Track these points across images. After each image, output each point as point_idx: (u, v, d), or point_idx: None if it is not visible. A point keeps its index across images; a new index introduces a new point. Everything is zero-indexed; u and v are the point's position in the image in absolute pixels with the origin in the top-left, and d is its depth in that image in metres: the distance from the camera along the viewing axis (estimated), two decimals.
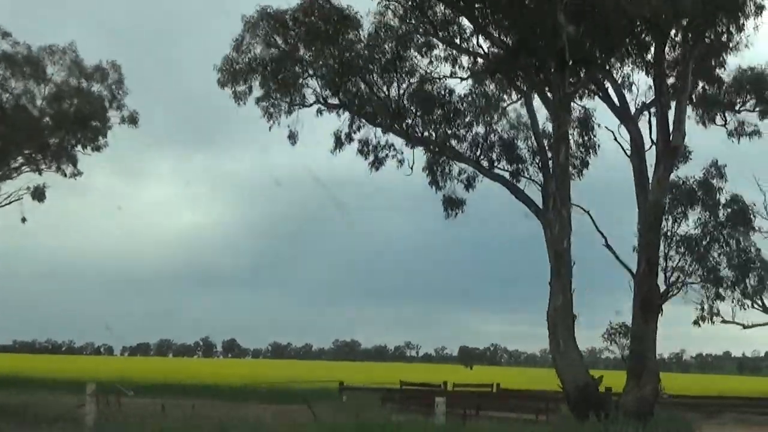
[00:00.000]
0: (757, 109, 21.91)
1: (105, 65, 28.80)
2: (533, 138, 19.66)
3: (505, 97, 20.32)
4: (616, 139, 18.68)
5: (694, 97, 20.02)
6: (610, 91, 18.47)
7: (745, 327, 30.16)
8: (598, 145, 20.48)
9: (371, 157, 20.11)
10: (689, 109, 19.14)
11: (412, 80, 19.44)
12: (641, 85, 18.95)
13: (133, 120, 29.02)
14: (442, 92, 19.74)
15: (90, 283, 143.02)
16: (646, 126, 18.33)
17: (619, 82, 18.67)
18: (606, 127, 19.54)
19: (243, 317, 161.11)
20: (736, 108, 21.92)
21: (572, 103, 18.83)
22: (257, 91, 19.15)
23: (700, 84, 20.44)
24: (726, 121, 22.14)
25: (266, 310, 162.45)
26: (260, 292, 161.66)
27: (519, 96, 19.79)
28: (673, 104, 17.51)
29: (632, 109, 18.45)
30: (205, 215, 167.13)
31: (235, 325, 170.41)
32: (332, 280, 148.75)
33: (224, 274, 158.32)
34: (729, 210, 28.05)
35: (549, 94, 17.64)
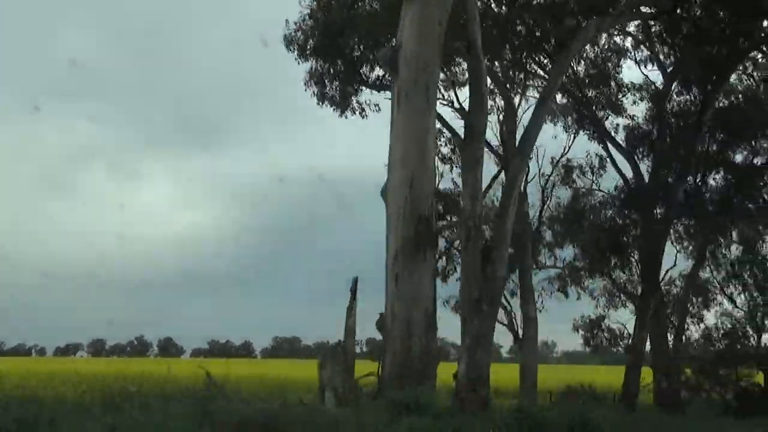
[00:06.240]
0: None
1: None
2: None
3: None
4: None
5: None
6: None
7: None
8: None
9: None
10: None
11: None
12: None
13: None
14: None
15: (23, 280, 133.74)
16: None
17: None
18: None
19: (180, 316, 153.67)
20: None
21: None
22: None
23: None
24: None
25: (205, 308, 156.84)
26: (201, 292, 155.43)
27: None
28: None
29: None
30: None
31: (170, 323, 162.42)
32: (276, 279, 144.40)
33: (166, 275, 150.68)
34: None
35: None
